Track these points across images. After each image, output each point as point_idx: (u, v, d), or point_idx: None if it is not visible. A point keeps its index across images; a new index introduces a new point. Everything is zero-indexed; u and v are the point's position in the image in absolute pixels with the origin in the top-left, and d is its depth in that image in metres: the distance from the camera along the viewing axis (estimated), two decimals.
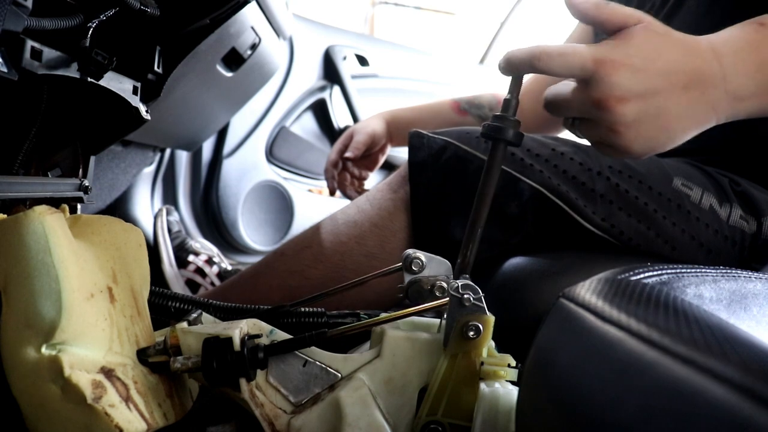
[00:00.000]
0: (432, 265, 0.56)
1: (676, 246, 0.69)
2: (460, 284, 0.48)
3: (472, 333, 0.47)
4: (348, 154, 1.18)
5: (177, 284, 1.26)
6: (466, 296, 0.47)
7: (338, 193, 1.24)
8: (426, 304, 0.50)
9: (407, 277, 0.55)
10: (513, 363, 0.48)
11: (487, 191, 0.57)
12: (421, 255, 0.56)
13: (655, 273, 0.43)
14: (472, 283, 0.48)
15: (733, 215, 0.72)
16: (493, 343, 0.52)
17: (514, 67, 0.56)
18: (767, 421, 0.20)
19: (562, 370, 0.32)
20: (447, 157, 0.74)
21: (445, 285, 0.54)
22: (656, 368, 0.26)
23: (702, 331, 0.27)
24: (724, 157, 0.81)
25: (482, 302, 0.47)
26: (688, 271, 0.46)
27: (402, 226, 0.76)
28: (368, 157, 1.22)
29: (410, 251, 0.56)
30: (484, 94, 1.22)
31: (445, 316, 0.49)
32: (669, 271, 0.44)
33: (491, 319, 0.47)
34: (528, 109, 1.20)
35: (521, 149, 0.72)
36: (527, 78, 1.23)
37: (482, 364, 0.48)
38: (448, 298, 0.48)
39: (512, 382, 0.48)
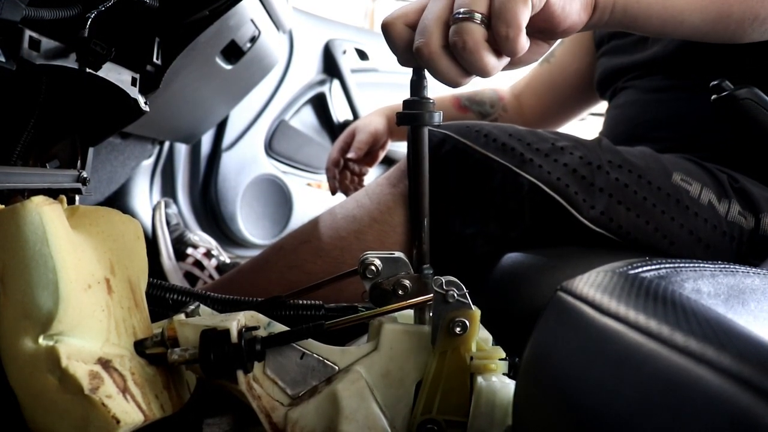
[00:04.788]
0: (389, 265, 0.54)
1: (675, 241, 0.69)
2: (443, 281, 0.47)
3: (459, 329, 0.47)
4: (350, 155, 1.18)
5: (175, 277, 1.26)
6: (450, 293, 0.47)
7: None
8: (426, 297, 0.50)
9: (366, 284, 0.54)
10: (503, 355, 0.48)
11: (422, 180, 0.54)
12: (376, 260, 0.54)
13: (653, 267, 0.43)
14: (456, 279, 0.48)
15: (731, 211, 0.72)
16: (490, 337, 0.52)
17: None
18: (764, 411, 0.20)
19: (559, 363, 0.32)
20: (446, 150, 0.74)
21: (406, 282, 0.53)
22: (654, 360, 0.26)
23: (699, 323, 0.27)
24: (723, 153, 0.81)
25: (466, 298, 0.47)
26: (687, 265, 0.46)
27: (401, 221, 0.76)
28: (369, 154, 1.22)
29: (365, 256, 0.54)
30: (485, 90, 1.22)
31: (430, 313, 0.49)
32: (667, 265, 0.44)
33: (477, 313, 0.47)
34: (527, 105, 1.21)
35: (521, 143, 0.72)
36: (526, 73, 1.24)
37: (472, 358, 0.48)
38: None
39: (506, 375, 0.48)
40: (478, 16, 0.46)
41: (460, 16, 0.46)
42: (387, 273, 0.54)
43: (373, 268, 0.53)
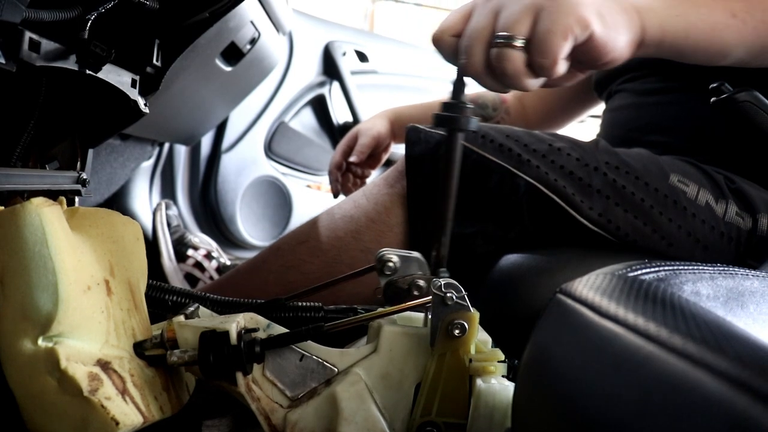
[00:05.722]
0: (407, 264, 0.54)
1: (673, 242, 0.69)
2: (442, 283, 0.47)
3: (457, 331, 0.47)
4: (352, 159, 1.18)
5: (176, 278, 1.26)
6: (448, 295, 0.47)
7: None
8: (423, 299, 0.50)
9: (383, 280, 0.54)
10: (502, 357, 0.48)
11: (450, 183, 0.55)
12: (394, 257, 0.54)
13: (652, 269, 0.43)
14: (455, 281, 0.48)
15: (729, 212, 0.72)
16: (489, 339, 0.52)
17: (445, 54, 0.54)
18: (762, 414, 0.20)
19: (558, 365, 0.32)
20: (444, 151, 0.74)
21: (422, 283, 0.53)
22: (652, 363, 0.26)
23: (698, 326, 0.27)
24: (719, 155, 0.81)
25: (465, 300, 0.47)
26: (686, 268, 0.46)
27: (399, 221, 0.76)
28: (371, 157, 1.22)
29: (383, 253, 0.54)
30: (488, 93, 1.22)
31: (429, 315, 0.49)
32: (666, 267, 0.44)
33: (476, 315, 0.47)
34: (530, 106, 1.21)
35: (518, 144, 0.72)
36: None
37: (471, 360, 0.48)
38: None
39: (506, 377, 0.48)
40: (519, 40, 0.48)
41: (501, 41, 0.48)
42: (403, 271, 0.54)
43: (391, 264, 0.54)
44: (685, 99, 0.86)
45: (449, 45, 0.52)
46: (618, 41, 0.51)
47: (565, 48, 0.47)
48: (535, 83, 0.50)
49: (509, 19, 0.48)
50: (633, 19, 0.52)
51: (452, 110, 0.53)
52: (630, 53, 0.53)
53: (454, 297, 0.47)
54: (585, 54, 0.50)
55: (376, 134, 1.18)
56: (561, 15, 0.47)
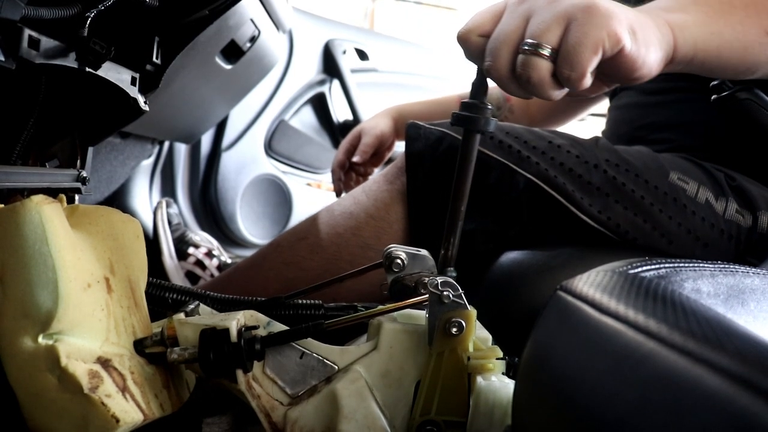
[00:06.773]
0: (414, 262, 0.54)
1: (673, 240, 0.69)
2: (439, 281, 0.47)
3: (455, 329, 0.46)
4: (356, 159, 1.18)
5: (177, 276, 1.26)
6: (445, 293, 0.47)
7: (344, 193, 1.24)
8: (421, 297, 0.50)
9: (390, 276, 0.54)
10: (500, 354, 0.48)
11: (464, 183, 0.54)
12: (402, 254, 0.54)
13: (653, 267, 0.43)
14: (452, 280, 0.48)
15: (728, 209, 0.72)
16: (490, 337, 0.52)
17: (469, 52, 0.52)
18: (763, 411, 0.20)
19: (559, 363, 0.32)
20: (444, 147, 0.74)
21: (428, 281, 0.53)
22: (653, 359, 0.26)
23: (699, 323, 0.27)
24: (720, 153, 0.81)
25: (462, 298, 0.47)
26: (686, 265, 0.46)
27: (398, 218, 0.77)
28: (375, 155, 1.22)
29: (391, 249, 0.54)
30: (492, 91, 1.21)
31: (426, 314, 0.49)
32: (667, 265, 0.44)
33: (473, 313, 0.47)
34: (533, 103, 1.21)
35: (518, 141, 0.72)
36: None
37: (469, 359, 0.48)
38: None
39: (506, 375, 0.48)
40: (546, 49, 0.46)
41: (528, 48, 0.47)
42: (411, 269, 0.54)
43: (399, 261, 0.54)
44: (690, 98, 0.86)
45: (475, 45, 0.50)
46: (648, 58, 0.49)
47: (594, 62, 0.46)
48: (558, 94, 0.49)
49: (539, 27, 0.47)
50: (666, 37, 0.51)
51: (471, 110, 0.52)
52: (659, 70, 0.52)
53: (451, 295, 0.47)
54: (613, 69, 0.49)
55: (380, 133, 1.18)
56: (592, 27, 0.45)
